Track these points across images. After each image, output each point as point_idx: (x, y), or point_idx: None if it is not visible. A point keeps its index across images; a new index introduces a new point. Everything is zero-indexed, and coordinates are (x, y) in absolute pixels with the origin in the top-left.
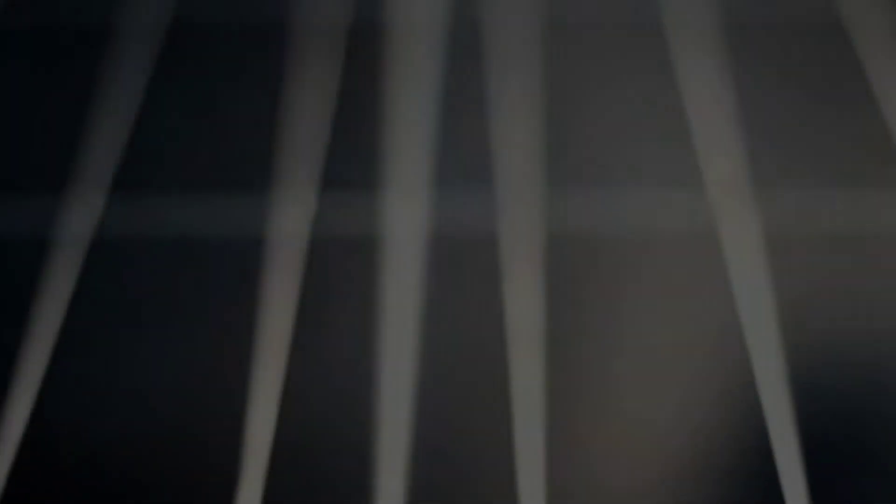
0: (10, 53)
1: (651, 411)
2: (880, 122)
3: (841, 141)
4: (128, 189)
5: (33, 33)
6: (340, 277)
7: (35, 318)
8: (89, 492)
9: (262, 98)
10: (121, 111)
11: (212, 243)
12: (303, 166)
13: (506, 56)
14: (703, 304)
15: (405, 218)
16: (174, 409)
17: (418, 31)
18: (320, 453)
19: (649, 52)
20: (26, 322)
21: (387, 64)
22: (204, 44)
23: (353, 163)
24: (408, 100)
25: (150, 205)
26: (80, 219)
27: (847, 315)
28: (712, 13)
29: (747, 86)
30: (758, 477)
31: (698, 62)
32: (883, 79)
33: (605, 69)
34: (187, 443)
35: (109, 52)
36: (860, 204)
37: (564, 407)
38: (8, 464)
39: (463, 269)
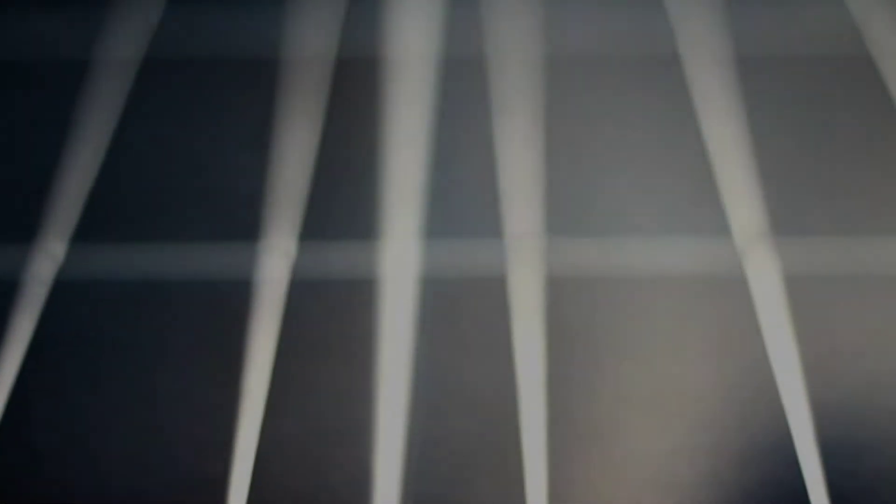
0: None
1: (663, 461)
2: None
3: (865, 183)
4: (99, 233)
5: (3, 68)
6: (331, 322)
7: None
8: None
9: (247, 137)
10: (97, 151)
11: (195, 288)
12: (289, 213)
13: (509, 92)
14: (725, 348)
15: (400, 264)
16: (146, 453)
17: (414, 66)
18: None
19: (659, 87)
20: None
21: (381, 101)
22: (183, 79)
23: (346, 207)
24: (404, 139)
25: (122, 250)
26: (49, 264)
27: (874, 358)
28: (728, 46)
29: (766, 125)
30: None
31: (715, 99)
32: None
33: (612, 105)
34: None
35: (84, 89)
36: (884, 249)
37: (572, 459)
38: None
39: (462, 315)
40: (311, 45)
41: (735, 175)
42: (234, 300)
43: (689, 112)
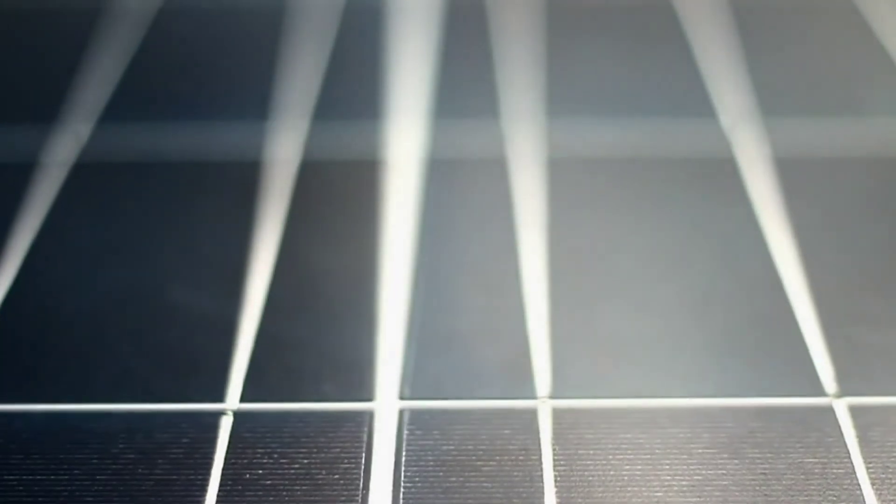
0: None
1: None
2: None
3: None
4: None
5: None
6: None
7: None
8: None
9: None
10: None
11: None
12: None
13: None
14: None
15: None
16: None
17: (406, 173)
18: None
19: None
20: None
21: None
22: (119, 180)
23: (329, 363)
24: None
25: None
26: None
27: None
28: (776, 149)
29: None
30: None
31: (770, 210)
32: None
33: (638, 226)
34: None
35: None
36: None
37: None
38: None
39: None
40: (281, 148)
41: (787, 325)
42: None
43: (741, 227)
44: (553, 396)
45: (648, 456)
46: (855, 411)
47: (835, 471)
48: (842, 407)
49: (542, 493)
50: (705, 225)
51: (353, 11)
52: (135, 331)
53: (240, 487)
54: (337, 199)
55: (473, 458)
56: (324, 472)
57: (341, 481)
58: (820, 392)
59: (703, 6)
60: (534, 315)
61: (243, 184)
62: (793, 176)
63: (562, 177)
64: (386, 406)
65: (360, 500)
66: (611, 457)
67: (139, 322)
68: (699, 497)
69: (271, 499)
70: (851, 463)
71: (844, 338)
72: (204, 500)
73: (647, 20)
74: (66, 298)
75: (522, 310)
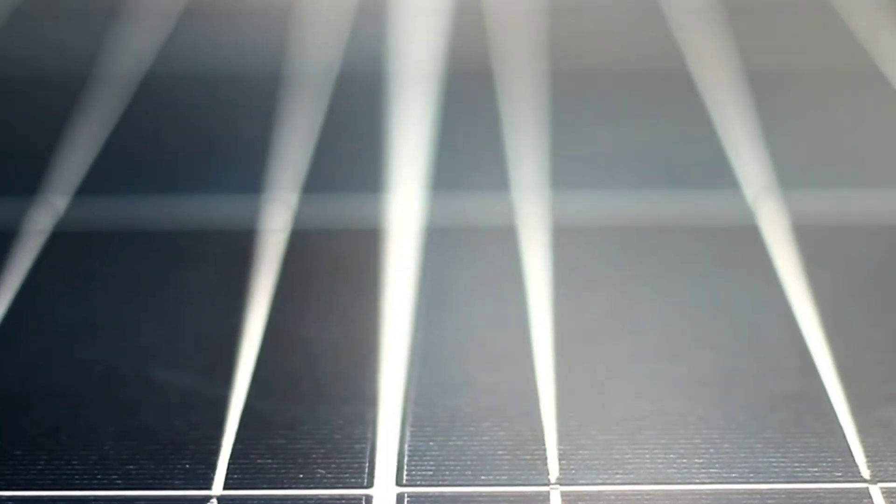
0: None
1: None
2: None
3: None
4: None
5: None
6: None
7: None
8: None
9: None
10: None
11: None
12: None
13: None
14: None
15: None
16: None
17: (404, 239)
18: None
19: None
20: None
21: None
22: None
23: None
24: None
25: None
26: None
27: None
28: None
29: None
30: None
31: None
32: None
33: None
34: None
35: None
36: None
37: None
38: None
39: None
40: (273, 218)
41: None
42: None
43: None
44: (564, 481)
45: None
46: (890, 496)
47: None
48: (876, 492)
49: None
50: (727, 298)
51: (350, 77)
52: (113, 411)
53: None
54: (332, 270)
55: None
56: None
57: None
58: (852, 476)
59: (717, 71)
60: (542, 393)
61: (232, 254)
62: (818, 247)
63: (572, 247)
64: (384, 492)
65: None
66: None
67: (118, 401)
68: None
69: None
70: None
71: (877, 418)
72: None
73: (661, 85)
74: (41, 376)
75: (530, 388)
